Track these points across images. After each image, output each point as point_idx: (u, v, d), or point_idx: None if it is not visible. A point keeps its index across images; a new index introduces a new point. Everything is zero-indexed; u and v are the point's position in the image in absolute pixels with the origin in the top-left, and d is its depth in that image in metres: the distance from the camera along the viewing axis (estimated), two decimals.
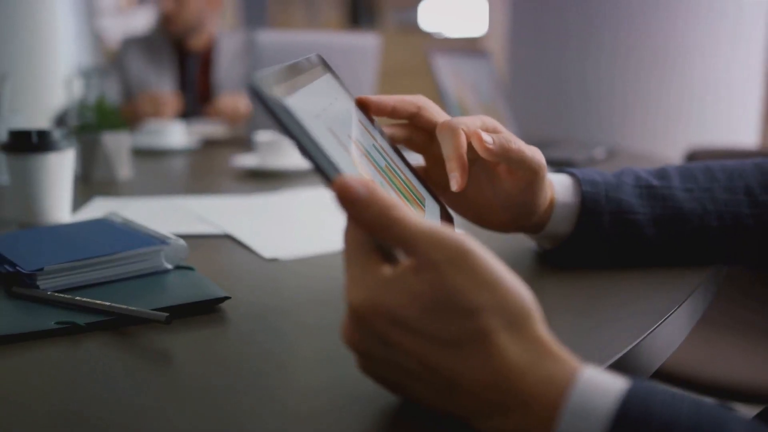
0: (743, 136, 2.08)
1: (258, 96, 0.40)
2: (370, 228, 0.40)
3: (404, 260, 0.39)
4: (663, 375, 1.33)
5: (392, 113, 0.65)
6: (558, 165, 1.44)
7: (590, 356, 0.49)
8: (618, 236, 0.67)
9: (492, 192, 0.67)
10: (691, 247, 0.68)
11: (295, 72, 0.50)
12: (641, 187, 0.68)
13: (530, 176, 0.64)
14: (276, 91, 0.42)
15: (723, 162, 0.71)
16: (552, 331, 0.41)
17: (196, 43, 2.50)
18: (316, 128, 0.44)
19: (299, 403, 0.43)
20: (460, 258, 0.37)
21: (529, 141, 0.66)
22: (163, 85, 2.44)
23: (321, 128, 0.45)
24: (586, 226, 0.67)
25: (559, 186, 0.68)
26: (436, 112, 0.66)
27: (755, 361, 1.35)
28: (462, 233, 0.39)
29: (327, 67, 0.62)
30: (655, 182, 0.68)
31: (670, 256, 0.68)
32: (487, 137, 0.61)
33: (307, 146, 0.41)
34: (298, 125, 0.41)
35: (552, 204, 0.67)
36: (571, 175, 0.69)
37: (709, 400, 0.36)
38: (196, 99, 2.50)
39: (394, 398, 0.43)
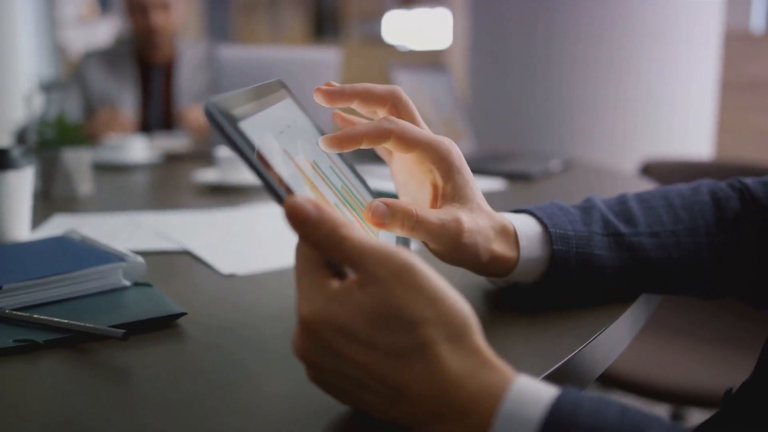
0: (697, 147, 2.14)
1: (212, 119, 0.42)
2: (319, 246, 0.42)
3: (352, 276, 0.41)
4: (622, 383, 1.37)
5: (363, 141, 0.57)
6: (514, 177, 1.47)
7: (533, 365, 0.51)
8: (584, 285, 0.65)
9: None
10: (652, 288, 0.68)
11: (255, 96, 0.52)
12: (609, 236, 0.65)
13: (447, 243, 0.58)
14: (232, 114, 0.44)
15: (682, 193, 0.70)
16: (496, 340, 0.44)
17: (165, 53, 2.50)
18: (272, 150, 0.46)
19: (256, 412, 0.45)
20: (404, 273, 0.40)
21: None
22: (125, 99, 2.43)
23: (276, 150, 0.47)
24: (553, 278, 0.64)
25: (526, 240, 0.62)
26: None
27: (710, 366, 1.39)
28: (406, 250, 0.41)
29: (288, 91, 0.63)
30: (623, 229, 0.65)
31: (629, 294, 0.68)
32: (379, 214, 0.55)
33: (258, 168, 0.43)
34: (250, 147, 0.43)
35: (517, 258, 0.62)
36: (539, 221, 0.64)
37: (637, 406, 0.38)
38: (161, 112, 2.50)
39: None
